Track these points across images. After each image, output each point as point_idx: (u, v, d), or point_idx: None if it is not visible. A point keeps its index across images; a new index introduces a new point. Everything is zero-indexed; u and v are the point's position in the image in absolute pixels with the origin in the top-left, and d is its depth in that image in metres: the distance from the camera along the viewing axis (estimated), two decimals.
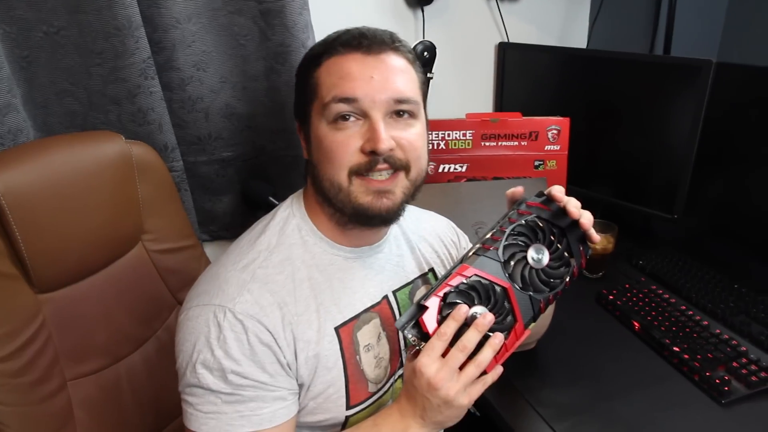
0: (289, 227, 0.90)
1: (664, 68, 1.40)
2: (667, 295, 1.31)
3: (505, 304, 0.82)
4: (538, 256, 0.85)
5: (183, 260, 1.18)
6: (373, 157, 0.81)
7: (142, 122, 1.17)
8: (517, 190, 0.91)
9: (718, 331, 1.17)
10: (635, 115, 1.49)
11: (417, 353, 0.79)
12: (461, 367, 0.78)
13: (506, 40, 1.75)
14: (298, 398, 0.85)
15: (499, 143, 1.48)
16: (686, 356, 1.11)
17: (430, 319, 0.78)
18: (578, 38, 1.87)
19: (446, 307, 0.79)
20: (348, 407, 0.88)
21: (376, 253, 0.95)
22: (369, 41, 0.84)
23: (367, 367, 0.90)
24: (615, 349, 1.20)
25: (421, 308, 0.79)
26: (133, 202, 1.09)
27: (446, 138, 1.48)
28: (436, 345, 0.77)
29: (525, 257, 0.84)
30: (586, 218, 0.86)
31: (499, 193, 1.41)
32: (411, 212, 1.08)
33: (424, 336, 0.79)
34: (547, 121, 1.46)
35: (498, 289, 0.82)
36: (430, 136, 1.46)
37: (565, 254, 0.87)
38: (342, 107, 0.82)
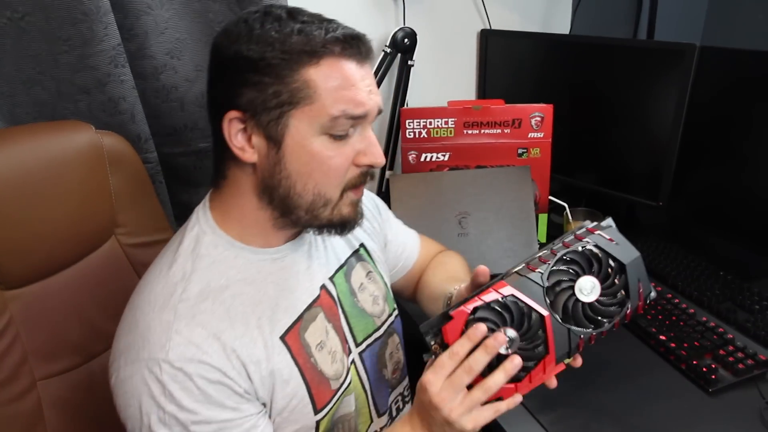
0: (203, 247, 0.81)
1: (647, 53, 1.38)
2: (653, 284, 1.29)
3: (539, 332, 0.76)
4: (588, 288, 0.78)
5: (158, 254, 1.15)
6: (368, 170, 0.80)
7: (114, 112, 1.13)
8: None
9: (704, 318, 1.17)
10: (619, 102, 1.47)
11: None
12: (471, 387, 0.74)
13: (488, 27, 1.73)
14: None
15: (482, 131, 1.46)
16: (673, 345, 1.10)
17: (453, 330, 0.74)
18: (561, 24, 1.85)
19: (473, 321, 0.74)
20: (316, 412, 0.85)
21: (300, 246, 0.89)
22: (366, 48, 0.76)
23: (324, 365, 0.86)
24: (601, 339, 1.18)
25: (447, 317, 0.75)
26: (104, 195, 1.05)
27: (428, 126, 1.46)
28: (446, 363, 0.73)
29: (572, 287, 0.78)
30: None
31: (482, 182, 1.41)
32: None
33: (446, 347, 0.75)
34: (530, 108, 1.44)
35: (534, 315, 0.76)
36: (412, 124, 1.45)
37: (621, 293, 0.80)
38: (351, 123, 0.75)
